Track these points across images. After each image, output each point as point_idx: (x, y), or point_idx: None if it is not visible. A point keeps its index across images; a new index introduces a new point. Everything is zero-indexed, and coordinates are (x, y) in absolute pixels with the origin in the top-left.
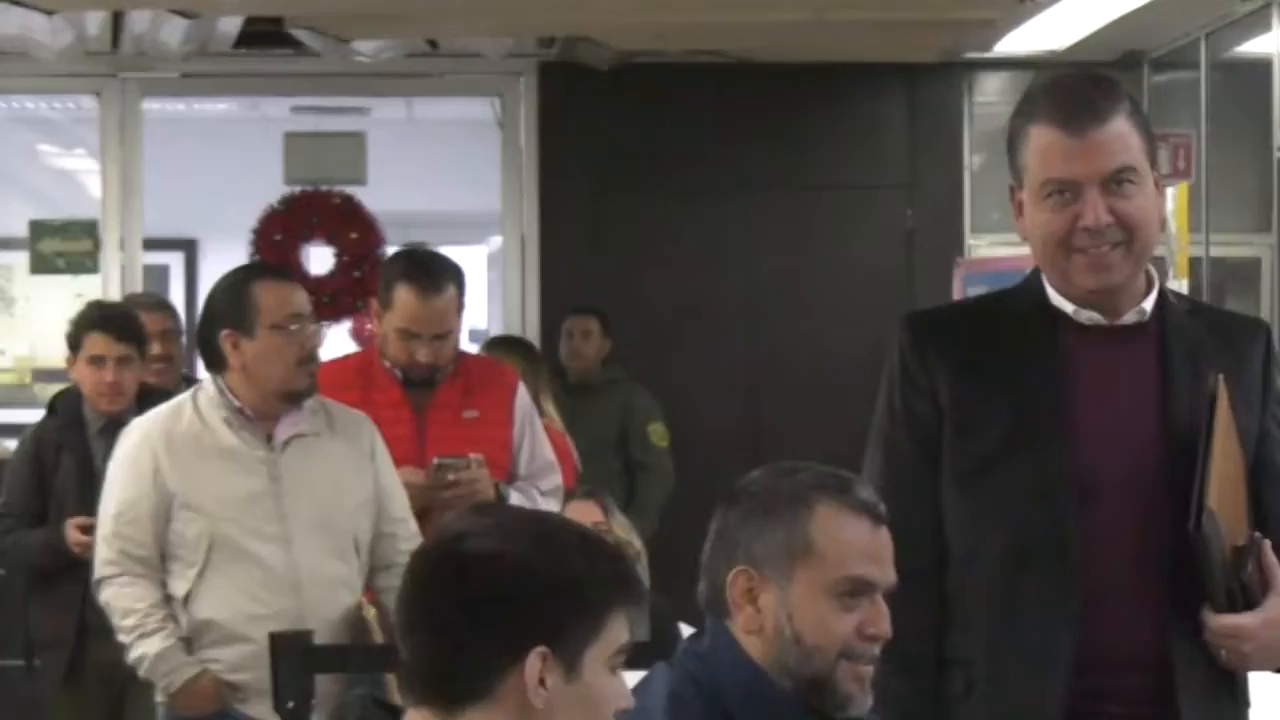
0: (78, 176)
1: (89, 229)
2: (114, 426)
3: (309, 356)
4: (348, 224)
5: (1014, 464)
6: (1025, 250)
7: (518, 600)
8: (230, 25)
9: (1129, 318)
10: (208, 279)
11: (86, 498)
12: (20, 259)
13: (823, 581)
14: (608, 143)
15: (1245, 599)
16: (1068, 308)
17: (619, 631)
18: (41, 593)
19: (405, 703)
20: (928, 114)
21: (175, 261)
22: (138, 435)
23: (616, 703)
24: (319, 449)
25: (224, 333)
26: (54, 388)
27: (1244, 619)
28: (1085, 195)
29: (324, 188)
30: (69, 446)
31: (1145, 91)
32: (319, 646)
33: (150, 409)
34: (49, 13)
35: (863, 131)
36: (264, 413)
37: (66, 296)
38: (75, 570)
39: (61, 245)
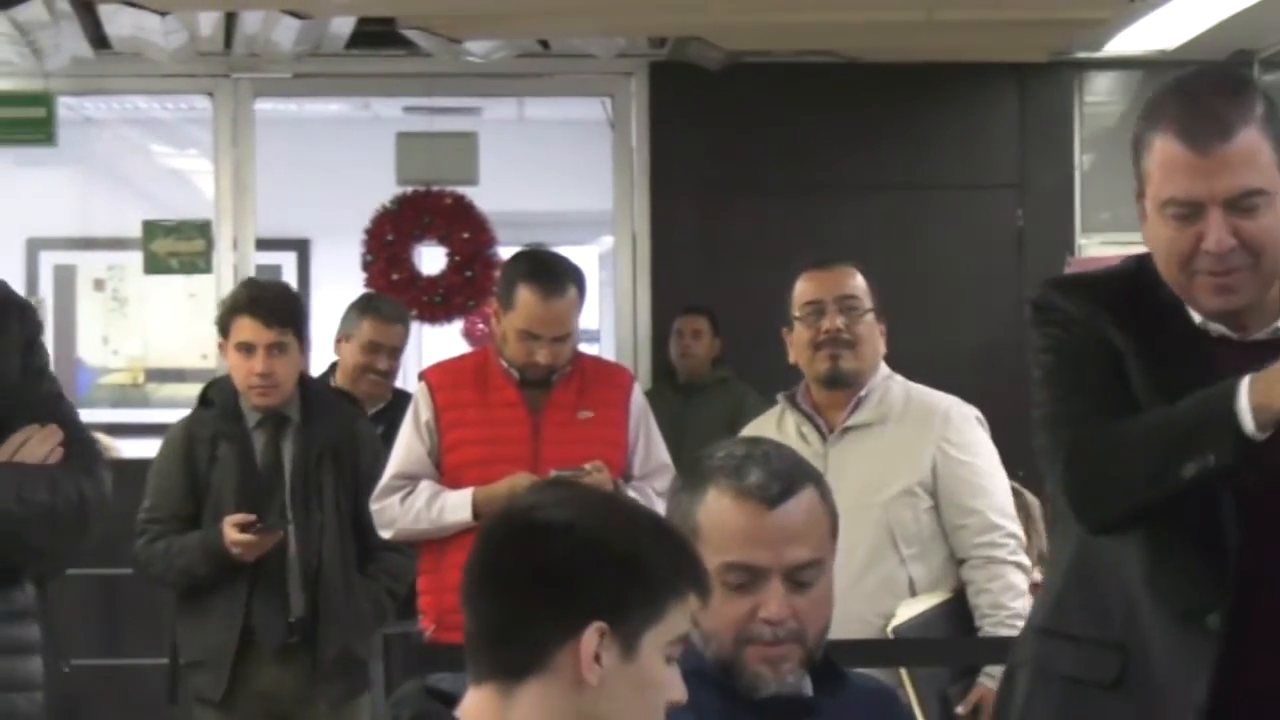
0: (190, 177)
1: (202, 229)
2: (274, 420)
3: (826, 340)
4: (459, 224)
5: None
6: (1129, 251)
7: (581, 571)
8: (342, 26)
9: (1260, 335)
10: (320, 279)
11: (246, 496)
12: (134, 259)
13: (709, 567)
14: (719, 142)
15: None
16: (1195, 316)
17: (680, 619)
18: (193, 606)
19: (470, 679)
20: (1038, 113)
21: (288, 262)
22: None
23: (669, 693)
24: (873, 438)
25: (784, 329)
26: (166, 388)
27: None
28: (1208, 216)
29: (436, 188)
30: (228, 440)
31: None
32: (429, 645)
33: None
34: (162, 13)
35: (973, 131)
36: (820, 404)
37: (179, 297)
38: (235, 580)
39: (174, 245)
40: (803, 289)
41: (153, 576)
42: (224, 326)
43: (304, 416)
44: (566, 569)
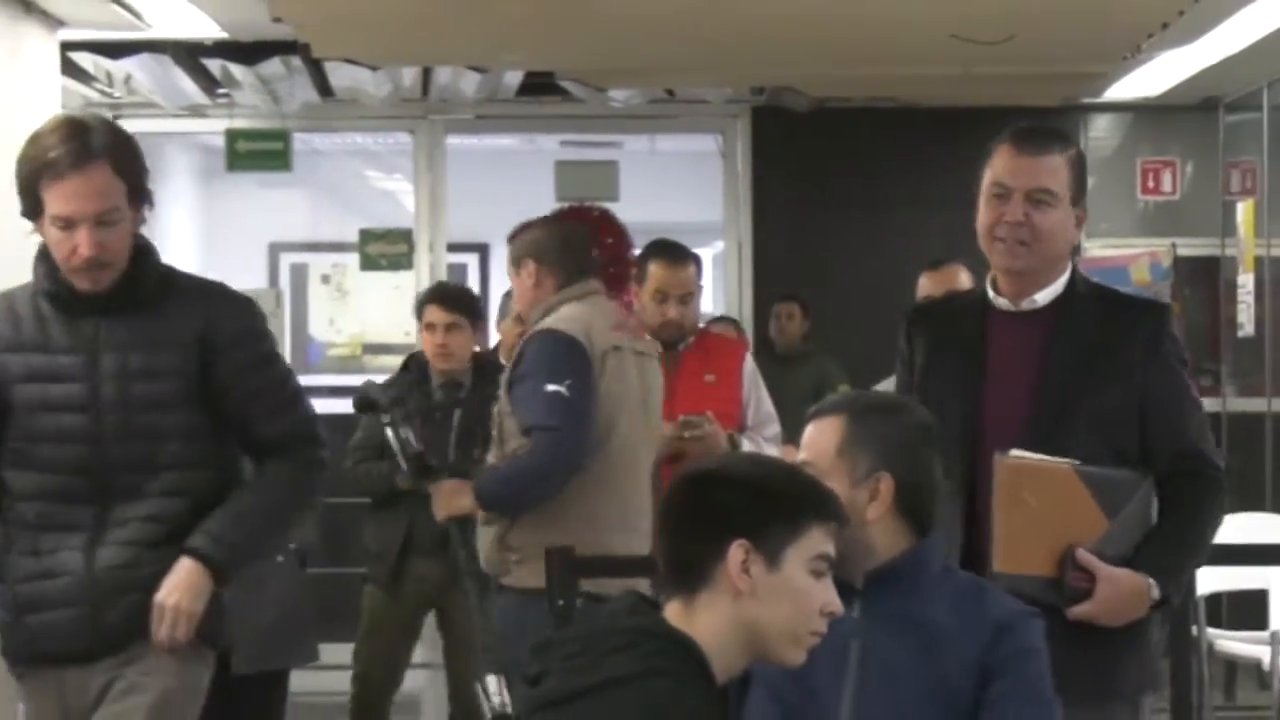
0: (396, 195)
1: (405, 236)
2: (453, 383)
3: None
4: (604, 232)
5: (945, 413)
6: (1123, 251)
7: (726, 501)
8: (513, 78)
9: (1025, 305)
10: (497, 275)
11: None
12: (352, 259)
13: None
14: (807, 169)
15: (1078, 596)
16: (990, 294)
17: (818, 539)
18: (377, 514)
19: (663, 598)
20: None
21: (472, 261)
22: None
23: (823, 605)
24: None
25: None
26: (378, 358)
27: (1086, 608)
28: (1012, 198)
29: (586, 203)
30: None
31: (1221, 128)
32: (583, 557)
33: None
34: (374, 68)
35: None
36: None
37: (387, 289)
38: (404, 499)
39: (384, 248)
40: (921, 284)
41: (351, 488)
42: (418, 312)
43: (474, 380)
44: (708, 501)
